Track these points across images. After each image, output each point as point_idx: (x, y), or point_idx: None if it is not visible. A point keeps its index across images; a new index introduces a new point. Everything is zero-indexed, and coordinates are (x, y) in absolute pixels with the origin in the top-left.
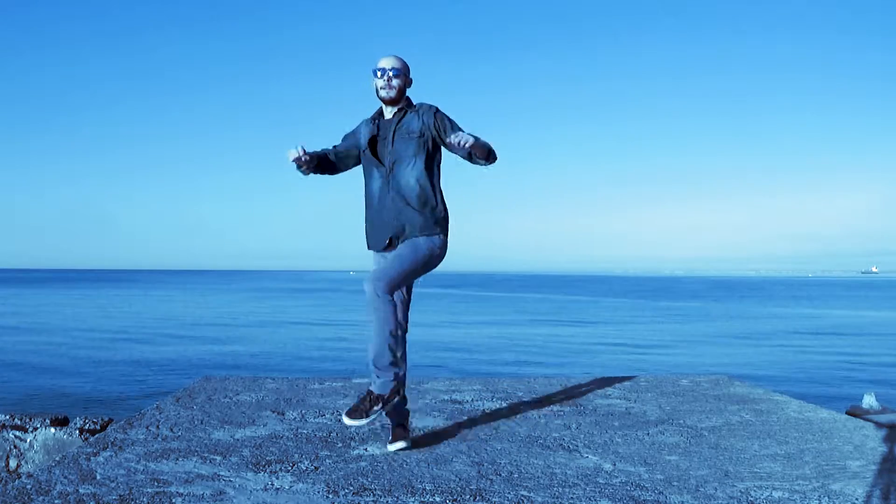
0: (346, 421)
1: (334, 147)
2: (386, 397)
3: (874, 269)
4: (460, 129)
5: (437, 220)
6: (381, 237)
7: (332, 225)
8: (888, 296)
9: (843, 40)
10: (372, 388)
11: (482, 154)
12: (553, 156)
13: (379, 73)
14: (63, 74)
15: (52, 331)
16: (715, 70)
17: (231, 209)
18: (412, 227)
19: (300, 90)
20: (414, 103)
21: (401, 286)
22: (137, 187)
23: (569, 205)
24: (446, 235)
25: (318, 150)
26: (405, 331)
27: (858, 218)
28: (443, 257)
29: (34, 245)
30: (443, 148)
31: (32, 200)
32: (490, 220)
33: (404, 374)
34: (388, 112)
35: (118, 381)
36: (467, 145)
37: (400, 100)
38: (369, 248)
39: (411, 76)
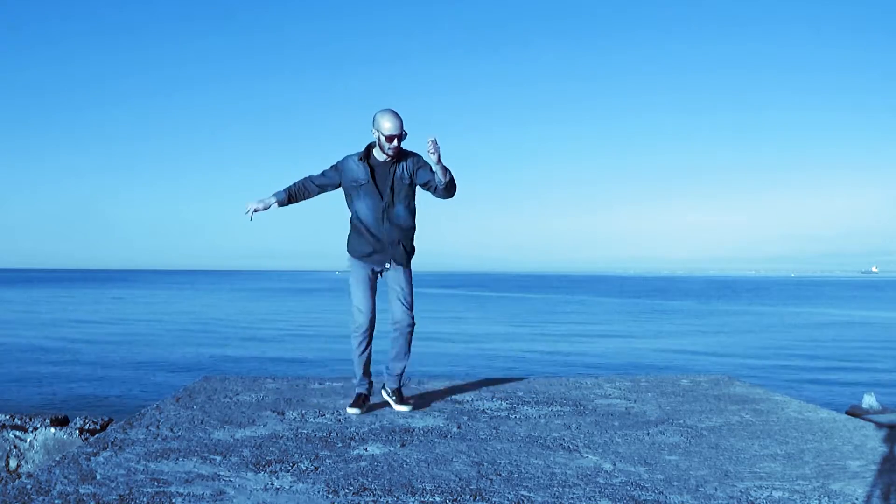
0: (401, 407)
1: (310, 178)
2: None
3: (874, 269)
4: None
5: (413, 249)
6: (383, 260)
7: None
8: (888, 296)
9: (843, 38)
10: (393, 387)
11: (446, 176)
12: (553, 154)
13: (387, 139)
14: (59, 73)
15: (51, 331)
16: (715, 68)
17: (228, 209)
18: (405, 255)
19: (297, 88)
20: (401, 151)
21: None
22: (133, 186)
23: (568, 204)
24: None
25: (292, 189)
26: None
27: (858, 218)
28: None
29: (28, 245)
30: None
31: (25, 200)
32: (489, 220)
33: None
34: (381, 155)
35: (118, 381)
36: (438, 158)
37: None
38: (362, 260)
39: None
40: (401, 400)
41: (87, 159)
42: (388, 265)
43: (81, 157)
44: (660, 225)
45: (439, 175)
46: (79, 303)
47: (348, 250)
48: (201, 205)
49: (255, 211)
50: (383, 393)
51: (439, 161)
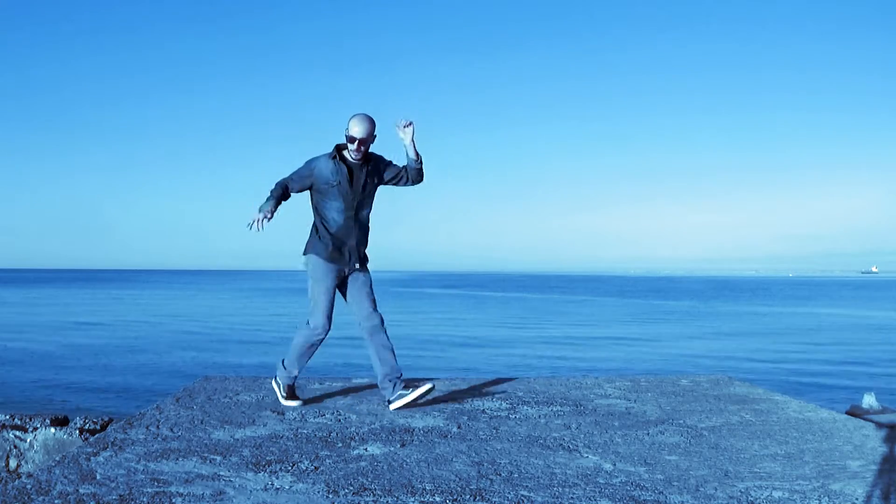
0: (421, 390)
1: (287, 184)
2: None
3: (874, 269)
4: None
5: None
6: (351, 261)
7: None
8: (888, 296)
9: (843, 38)
10: (401, 388)
11: (416, 156)
12: (553, 154)
13: (351, 142)
14: (59, 73)
15: (51, 331)
16: (714, 67)
17: (227, 208)
18: (366, 257)
19: (298, 89)
20: (369, 155)
21: None
22: (133, 186)
23: (568, 204)
24: None
25: (277, 194)
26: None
27: (858, 218)
28: None
29: (28, 245)
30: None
31: (25, 200)
32: (490, 220)
33: None
34: (351, 156)
35: (118, 382)
36: (411, 136)
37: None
38: (331, 262)
39: (375, 132)
40: (410, 385)
41: (87, 159)
42: (355, 266)
43: (81, 157)
44: (660, 225)
45: (411, 154)
46: (79, 303)
47: (314, 252)
48: (201, 205)
49: (267, 220)
50: (395, 403)
51: (413, 140)
